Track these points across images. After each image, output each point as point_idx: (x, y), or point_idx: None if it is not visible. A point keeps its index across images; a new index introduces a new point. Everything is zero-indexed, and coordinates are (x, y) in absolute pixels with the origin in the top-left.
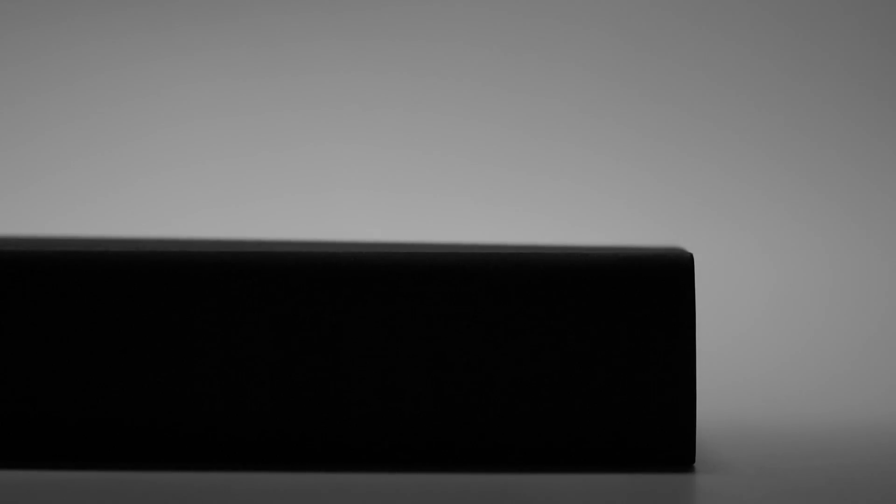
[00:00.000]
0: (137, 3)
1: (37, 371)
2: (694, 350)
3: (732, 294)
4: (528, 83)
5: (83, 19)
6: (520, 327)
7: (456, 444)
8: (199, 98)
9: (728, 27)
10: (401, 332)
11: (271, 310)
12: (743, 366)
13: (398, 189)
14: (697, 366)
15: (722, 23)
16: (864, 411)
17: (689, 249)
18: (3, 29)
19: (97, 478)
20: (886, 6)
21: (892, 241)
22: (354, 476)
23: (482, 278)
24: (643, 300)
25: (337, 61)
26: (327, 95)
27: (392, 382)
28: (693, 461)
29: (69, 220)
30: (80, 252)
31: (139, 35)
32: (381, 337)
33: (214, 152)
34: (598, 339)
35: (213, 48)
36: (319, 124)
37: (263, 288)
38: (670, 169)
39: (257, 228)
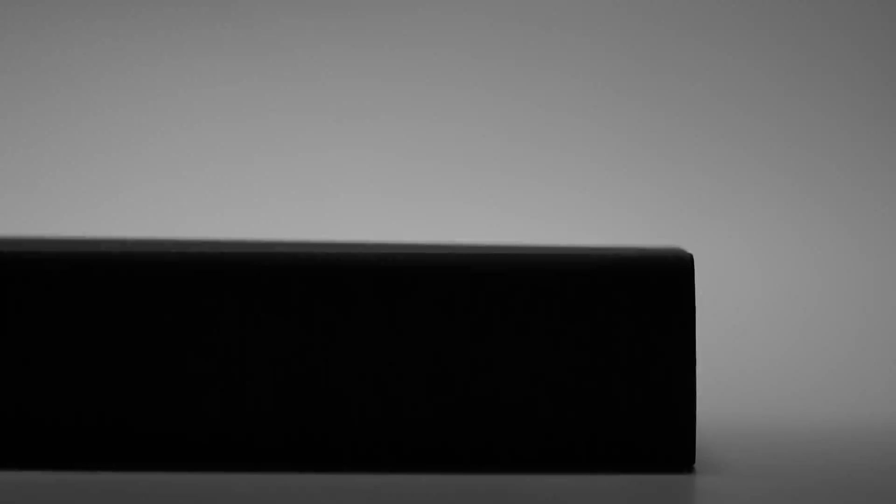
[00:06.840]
0: (141, 5)
1: (36, 371)
2: (694, 350)
3: (732, 294)
4: (530, 90)
5: (87, 22)
6: (520, 328)
7: (455, 444)
8: (199, 99)
9: (725, 37)
10: (400, 332)
11: (271, 310)
12: (743, 366)
13: (400, 192)
14: (697, 366)
15: (719, 32)
16: (864, 411)
17: (689, 250)
18: (5, 31)
19: (97, 478)
20: (875, 17)
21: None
22: (354, 476)
23: (483, 279)
24: (643, 300)
25: (340, 67)
26: (330, 100)
27: (391, 382)
28: (693, 461)
29: (69, 221)
30: (80, 252)
31: (142, 38)
32: (381, 337)
33: (215, 154)
34: (598, 339)
35: (217, 52)
36: (321, 129)
37: (263, 288)
38: (670, 172)
39: (256, 230)
